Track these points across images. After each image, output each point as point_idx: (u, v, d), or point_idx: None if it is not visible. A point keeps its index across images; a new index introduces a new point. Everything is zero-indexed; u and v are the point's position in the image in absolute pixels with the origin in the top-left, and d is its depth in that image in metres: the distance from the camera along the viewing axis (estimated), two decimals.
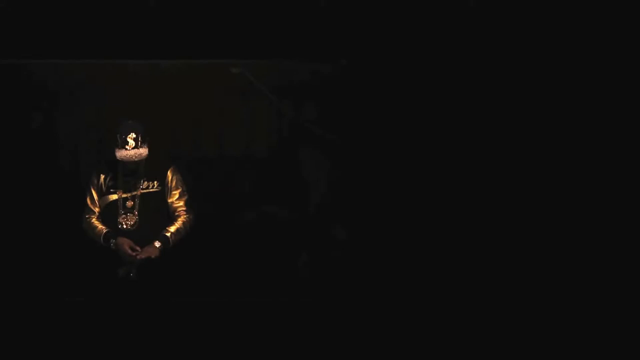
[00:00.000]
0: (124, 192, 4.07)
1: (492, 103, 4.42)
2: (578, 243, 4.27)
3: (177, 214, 4.12)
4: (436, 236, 4.51)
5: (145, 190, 4.08)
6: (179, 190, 4.14)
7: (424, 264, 4.52)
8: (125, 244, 3.94)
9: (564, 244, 4.29)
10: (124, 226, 4.02)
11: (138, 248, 3.94)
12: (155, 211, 4.08)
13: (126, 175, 4.06)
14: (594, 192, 4.26)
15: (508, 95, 4.38)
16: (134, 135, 3.93)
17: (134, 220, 4.03)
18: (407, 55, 4.48)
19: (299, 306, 4.66)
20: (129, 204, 4.06)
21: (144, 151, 3.97)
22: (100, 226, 4.04)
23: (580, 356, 4.09)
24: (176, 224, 4.08)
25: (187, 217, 4.12)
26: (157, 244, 3.99)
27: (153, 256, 3.95)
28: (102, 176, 4.11)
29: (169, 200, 4.12)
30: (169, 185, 4.12)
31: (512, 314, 4.27)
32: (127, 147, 3.92)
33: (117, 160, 3.98)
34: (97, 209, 4.10)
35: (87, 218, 4.08)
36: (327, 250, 4.98)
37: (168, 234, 4.02)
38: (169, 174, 4.13)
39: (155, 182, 4.11)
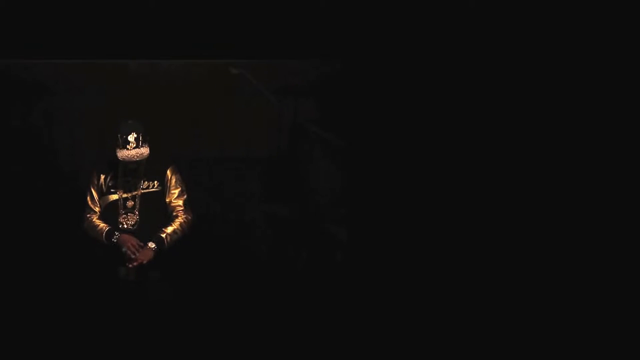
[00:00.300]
0: (125, 192, 4.07)
1: (492, 103, 4.42)
2: (578, 243, 4.27)
3: (175, 213, 4.11)
4: (436, 236, 4.51)
5: (145, 190, 4.08)
6: (177, 190, 4.13)
7: (424, 264, 4.52)
8: (133, 239, 3.94)
9: (565, 244, 4.29)
10: (125, 226, 4.02)
11: (141, 244, 3.94)
12: (156, 211, 4.07)
13: (126, 175, 4.05)
14: (594, 192, 4.27)
15: (508, 95, 4.39)
16: (135, 135, 3.93)
17: (134, 220, 4.03)
18: (407, 55, 4.48)
19: (299, 306, 4.67)
20: (130, 204, 4.06)
21: (145, 151, 3.97)
22: (102, 224, 4.03)
23: (580, 356, 4.10)
24: (173, 224, 4.07)
25: (185, 217, 4.10)
26: (152, 244, 3.98)
27: (146, 261, 3.94)
28: (102, 176, 4.11)
29: (167, 200, 4.11)
30: (168, 184, 4.12)
31: (512, 314, 4.28)
32: (128, 147, 3.92)
33: (117, 160, 3.97)
34: (97, 209, 4.09)
35: (88, 217, 4.08)
36: (328, 250, 4.98)
37: (163, 235, 4.01)
38: (169, 172, 4.13)
39: (156, 182, 4.10)
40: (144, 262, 3.94)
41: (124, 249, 3.93)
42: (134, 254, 3.92)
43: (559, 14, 4.25)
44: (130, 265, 3.92)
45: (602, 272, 4.21)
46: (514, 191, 4.38)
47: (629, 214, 4.21)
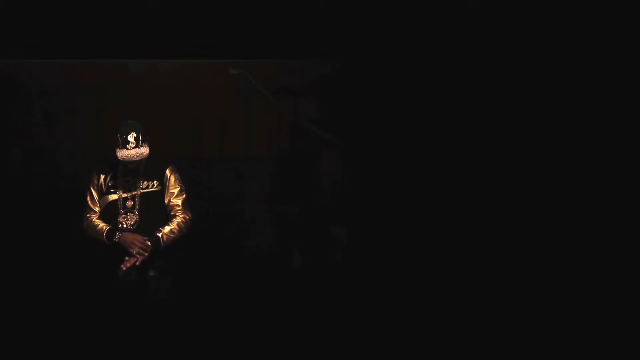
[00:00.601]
0: (124, 192, 4.06)
1: (492, 103, 4.42)
2: (578, 243, 4.27)
3: (173, 213, 4.10)
4: (436, 235, 4.51)
5: (145, 190, 4.07)
6: (177, 189, 4.12)
7: (424, 264, 4.52)
8: (137, 237, 3.94)
9: (565, 244, 4.29)
10: (125, 226, 4.01)
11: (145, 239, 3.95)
12: (156, 211, 4.07)
13: (126, 175, 4.05)
14: (594, 192, 4.27)
15: (508, 95, 4.39)
16: (135, 135, 3.93)
17: (134, 220, 4.03)
18: (407, 55, 4.48)
19: (299, 306, 4.67)
20: (129, 204, 4.06)
21: (145, 150, 3.96)
22: (102, 224, 4.03)
23: (580, 356, 4.10)
24: (171, 224, 4.05)
25: (183, 217, 4.09)
26: (148, 244, 3.98)
27: (139, 262, 3.94)
28: (102, 176, 4.10)
29: (166, 199, 4.10)
30: (167, 184, 4.11)
31: (512, 314, 4.28)
32: (128, 147, 3.91)
33: (117, 160, 3.97)
34: (97, 209, 4.09)
35: (88, 217, 4.07)
36: (328, 250, 4.98)
37: (160, 235, 4.00)
38: (168, 172, 4.12)
39: (155, 182, 4.10)
40: (137, 263, 3.93)
41: (135, 252, 3.92)
42: (147, 252, 3.92)
43: (559, 14, 4.26)
44: (124, 268, 3.91)
45: (602, 272, 4.21)
46: (513, 191, 4.38)
47: (629, 214, 4.21)
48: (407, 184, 4.58)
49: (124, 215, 4.03)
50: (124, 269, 3.91)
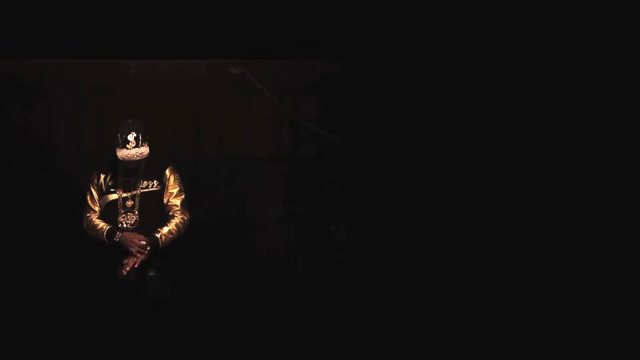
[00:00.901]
0: (124, 192, 4.06)
1: (492, 103, 4.41)
2: (578, 243, 4.27)
3: (171, 213, 4.09)
4: (436, 236, 4.51)
5: (145, 190, 4.07)
6: (176, 189, 4.12)
7: (424, 264, 4.51)
8: (137, 236, 3.94)
9: (565, 244, 4.29)
10: (124, 225, 4.01)
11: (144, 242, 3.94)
12: (155, 210, 4.06)
13: (126, 174, 4.05)
14: (594, 192, 4.26)
15: (508, 95, 4.38)
16: (134, 135, 3.92)
17: (134, 220, 4.02)
18: (407, 56, 4.48)
19: (299, 307, 4.67)
20: (129, 203, 4.05)
21: (145, 150, 3.96)
22: (102, 224, 4.03)
23: (580, 356, 4.10)
24: (169, 225, 4.05)
25: (182, 217, 4.08)
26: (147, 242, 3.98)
27: (137, 265, 3.94)
28: (102, 176, 4.10)
29: (165, 199, 4.10)
30: (166, 184, 4.11)
31: (512, 314, 4.28)
32: (128, 146, 3.91)
33: (117, 159, 3.97)
34: (97, 208, 4.08)
35: (88, 216, 4.07)
36: (328, 250, 4.98)
37: (158, 235, 3.99)
38: (167, 172, 4.12)
39: (155, 181, 4.09)
40: (137, 265, 3.93)
41: (134, 250, 3.92)
42: (146, 249, 3.92)
43: (559, 14, 4.25)
44: (125, 272, 3.91)
45: (602, 272, 4.21)
46: (513, 192, 4.37)
47: (629, 214, 4.21)
48: (408, 184, 4.57)
49: (123, 215, 4.03)
50: (125, 272, 3.91)
